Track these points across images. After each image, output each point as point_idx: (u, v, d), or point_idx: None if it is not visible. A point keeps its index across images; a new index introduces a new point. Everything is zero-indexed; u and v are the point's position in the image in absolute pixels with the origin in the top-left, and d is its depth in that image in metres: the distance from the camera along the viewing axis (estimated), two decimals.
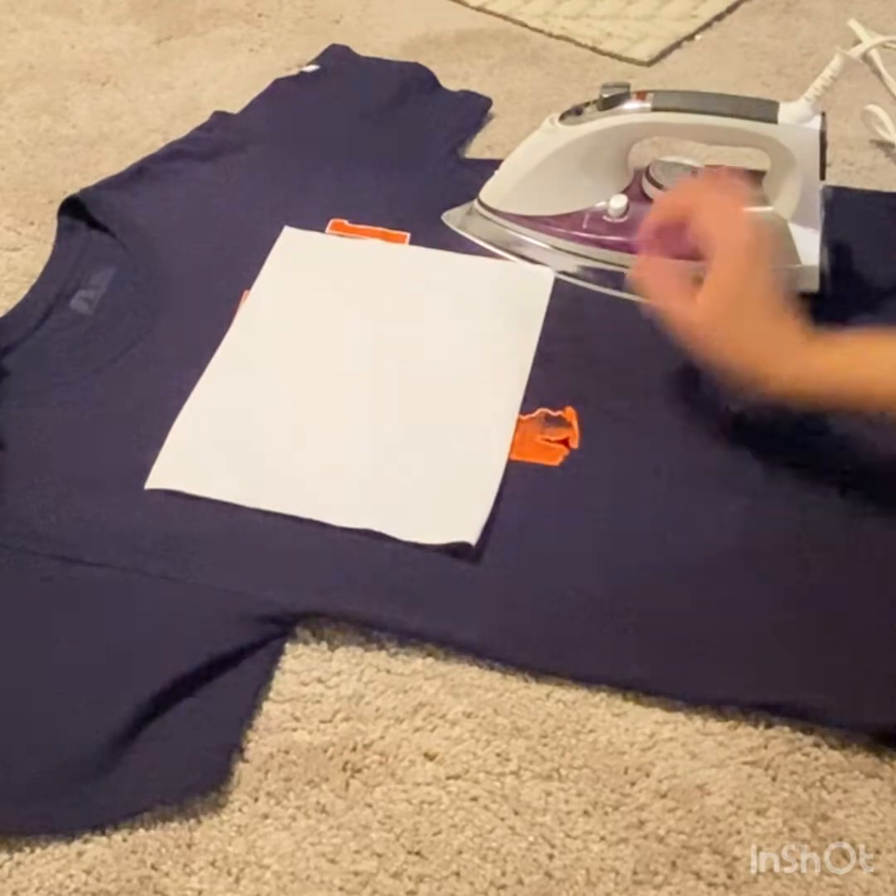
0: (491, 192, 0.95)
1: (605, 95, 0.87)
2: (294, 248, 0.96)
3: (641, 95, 0.87)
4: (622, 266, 0.90)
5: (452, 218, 0.97)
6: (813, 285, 0.87)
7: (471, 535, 0.74)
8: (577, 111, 0.89)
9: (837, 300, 0.87)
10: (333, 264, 0.95)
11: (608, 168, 0.91)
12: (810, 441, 0.80)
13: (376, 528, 0.75)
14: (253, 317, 0.90)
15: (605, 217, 0.91)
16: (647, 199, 0.90)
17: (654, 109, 0.86)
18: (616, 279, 0.90)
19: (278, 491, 0.78)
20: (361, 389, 0.85)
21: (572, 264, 0.92)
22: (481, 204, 0.95)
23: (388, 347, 0.88)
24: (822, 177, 0.86)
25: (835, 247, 0.90)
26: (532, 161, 0.91)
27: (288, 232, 0.97)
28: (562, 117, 0.89)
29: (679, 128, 0.88)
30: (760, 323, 0.74)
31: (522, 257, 0.94)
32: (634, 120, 0.87)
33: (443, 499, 0.78)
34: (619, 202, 0.90)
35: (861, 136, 1.09)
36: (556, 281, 0.92)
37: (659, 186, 0.90)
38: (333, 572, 0.74)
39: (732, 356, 0.75)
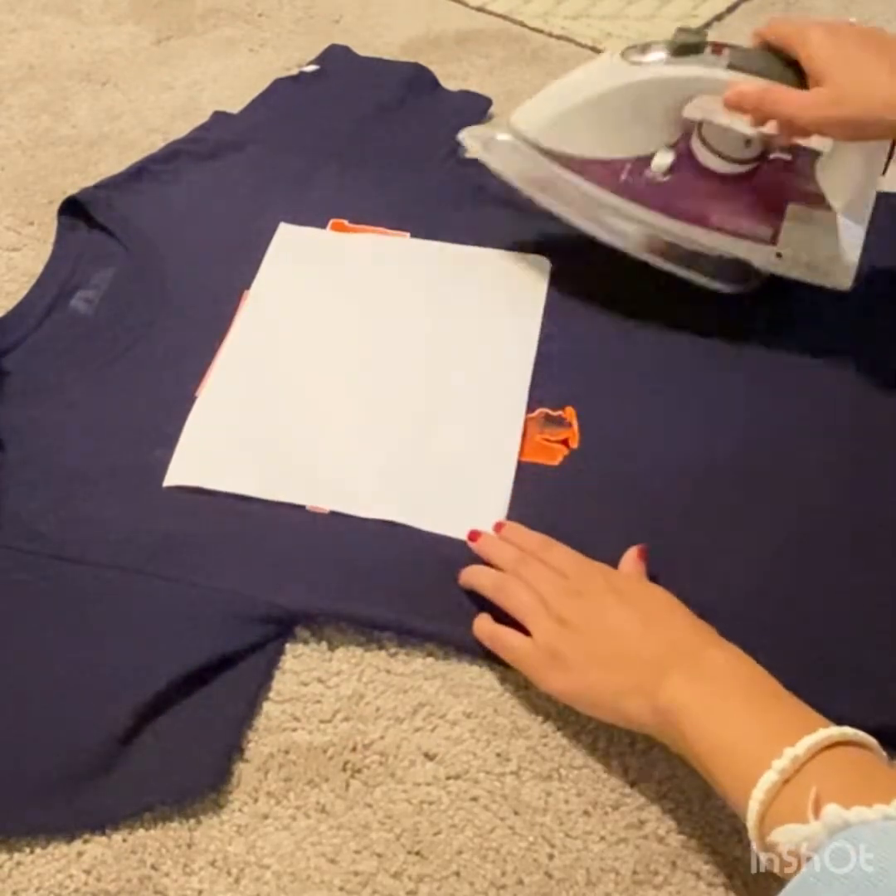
0: (525, 117, 0.85)
1: (679, 41, 0.78)
2: (292, 243, 0.96)
3: (718, 48, 0.77)
4: (657, 229, 0.84)
5: (474, 137, 0.88)
6: (846, 283, 0.82)
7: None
8: (643, 49, 0.79)
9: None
10: (333, 258, 0.95)
11: (661, 118, 0.83)
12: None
13: (397, 518, 0.76)
14: (258, 311, 0.90)
15: (647, 172, 0.83)
16: (694, 161, 0.83)
17: (730, 66, 0.77)
18: (645, 243, 0.85)
19: (297, 483, 0.78)
20: (370, 381, 0.86)
21: (597, 216, 0.85)
22: (512, 129, 0.85)
23: (392, 339, 0.88)
24: (884, 172, 0.80)
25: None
26: (581, 94, 0.82)
27: (284, 228, 0.97)
28: (623, 53, 0.80)
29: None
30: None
31: (544, 199, 0.86)
32: (705, 74, 0.77)
33: (461, 489, 0.78)
34: (664, 159, 0.82)
35: None
36: (555, 272, 0.92)
37: (712, 151, 0.82)
38: (333, 572, 0.74)
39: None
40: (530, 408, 0.83)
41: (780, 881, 0.52)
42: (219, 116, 1.10)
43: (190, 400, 0.83)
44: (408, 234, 0.97)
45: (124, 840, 0.63)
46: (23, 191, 1.04)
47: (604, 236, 0.85)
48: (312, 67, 1.16)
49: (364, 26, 1.25)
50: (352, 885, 0.62)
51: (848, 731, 0.54)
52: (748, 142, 0.82)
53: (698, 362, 0.86)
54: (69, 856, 0.63)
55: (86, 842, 0.63)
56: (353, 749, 0.67)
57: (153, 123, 1.11)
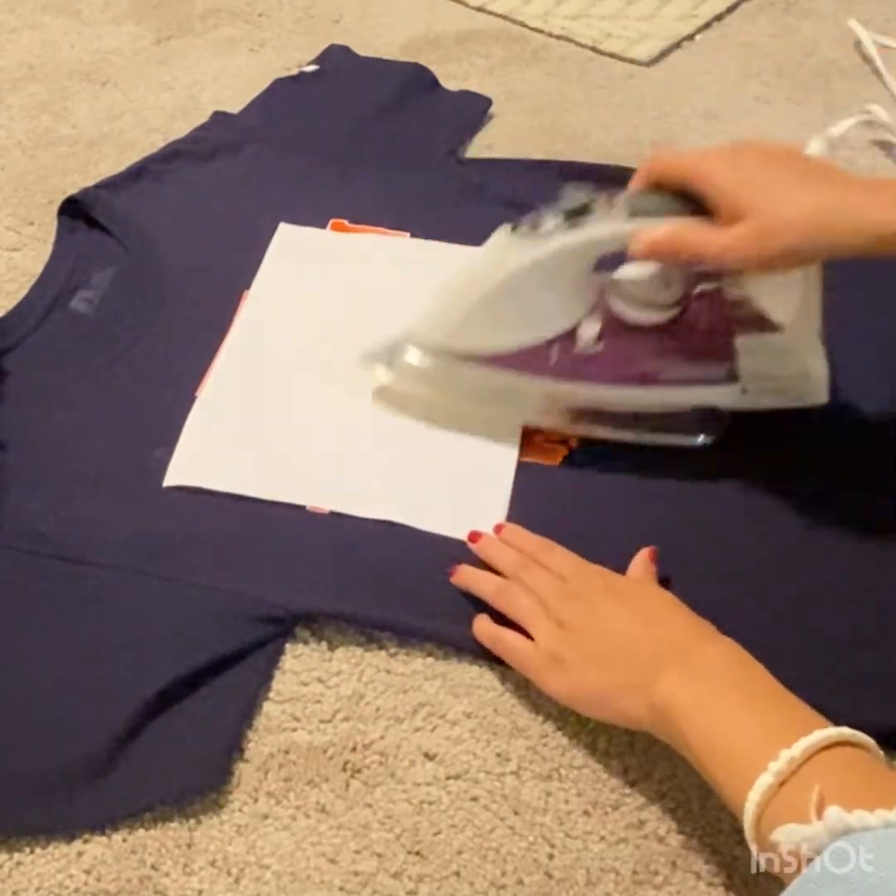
0: (432, 327, 0.77)
1: (568, 206, 0.71)
2: (292, 243, 0.96)
3: (610, 200, 0.70)
4: (608, 403, 0.77)
5: (374, 358, 0.80)
6: (822, 397, 0.76)
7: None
8: (534, 223, 0.72)
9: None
10: (333, 258, 0.95)
11: (573, 288, 0.75)
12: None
13: (397, 519, 0.76)
14: (258, 312, 0.90)
15: (576, 348, 0.75)
16: (620, 320, 0.76)
17: (632, 216, 0.70)
18: (597, 418, 0.78)
19: (296, 483, 0.78)
20: (370, 381, 0.85)
21: (543, 409, 0.78)
22: (418, 343, 0.78)
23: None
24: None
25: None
26: (482, 288, 0.74)
27: (284, 228, 0.97)
28: (514, 230, 0.72)
29: None
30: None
31: (471, 408, 0.79)
32: (607, 232, 0.70)
33: (461, 490, 0.79)
34: (590, 328, 0.75)
35: (861, 136, 1.09)
36: None
37: (635, 305, 0.75)
38: (333, 572, 0.74)
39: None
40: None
41: (780, 881, 0.52)
42: (219, 116, 1.10)
43: (190, 400, 0.83)
44: (408, 234, 0.97)
45: (124, 840, 0.63)
46: (23, 191, 1.04)
47: (571, 429, 0.79)
48: (312, 67, 1.16)
49: (364, 26, 1.25)
50: (352, 885, 0.62)
51: (845, 732, 0.54)
52: (667, 284, 0.74)
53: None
54: (69, 856, 0.63)
55: (86, 842, 0.63)
56: (353, 749, 0.67)
57: (153, 123, 1.11)
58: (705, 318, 0.76)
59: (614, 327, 0.76)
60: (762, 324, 0.73)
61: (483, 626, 0.70)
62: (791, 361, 0.75)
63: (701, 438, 0.79)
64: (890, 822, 0.48)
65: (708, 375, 0.76)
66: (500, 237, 0.73)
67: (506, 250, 0.73)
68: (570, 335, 0.75)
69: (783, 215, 0.64)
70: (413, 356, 0.79)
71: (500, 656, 0.69)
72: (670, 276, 0.74)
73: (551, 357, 0.76)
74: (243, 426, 0.83)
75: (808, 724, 0.55)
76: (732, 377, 0.76)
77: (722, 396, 0.77)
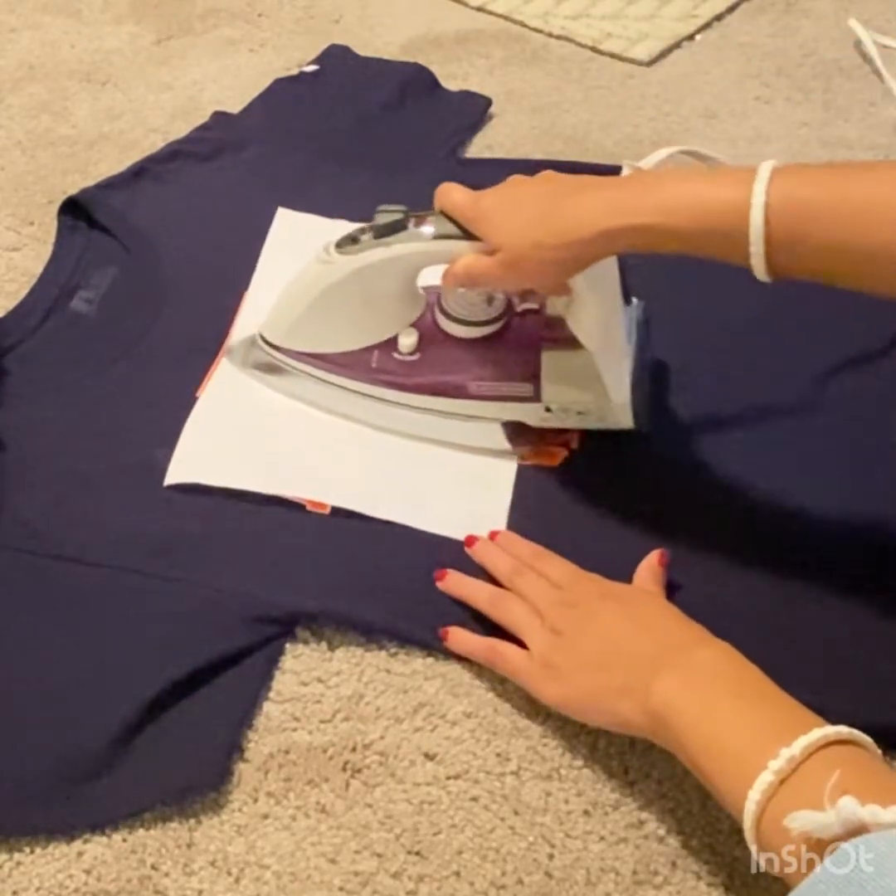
0: (270, 326, 0.84)
1: (381, 222, 0.76)
2: (291, 231, 0.96)
3: (420, 220, 0.75)
4: (418, 407, 0.80)
5: (235, 354, 0.86)
6: (627, 423, 0.78)
7: (499, 526, 0.76)
8: (353, 239, 0.77)
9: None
10: None
11: (393, 300, 0.80)
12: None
13: (397, 519, 0.76)
14: (258, 309, 0.90)
15: (395, 354, 0.80)
16: (441, 332, 0.80)
17: (435, 237, 0.75)
18: (412, 423, 0.81)
19: (298, 479, 0.78)
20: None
21: (363, 407, 0.82)
22: (263, 339, 0.84)
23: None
24: (627, 302, 0.76)
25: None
26: (309, 294, 0.80)
27: (283, 213, 0.97)
28: (338, 245, 0.78)
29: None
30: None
31: (307, 401, 0.83)
32: (412, 249, 0.76)
33: (462, 490, 0.79)
34: (409, 338, 0.79)
35: (861, 136, 1.09)
36: None
37: (453, 319, 0.79)
38: (333, 573, 0.74)
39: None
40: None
41: (780, 881, 0.52)
42: (219, 116, 1.10)
43: (190, 400, 0.83)
44: None
45: (124, 840, 0.63)
46: (23, 191, 1.04)
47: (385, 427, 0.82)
48: (312, 67, 1.16)
49: (364, 26, 1.25)
50: (352, 885, 0.62)
51: (843, 731, 0.54)
52: (490, 301, 0.79)
53: (700, 361, 0.86)
54: (69, 856, 0.63)
55: (86, 842, 0.63)
56: (353, 749, 0.67)
57: (153, 123, 1.11)
58: (519, 337, 0.79)
59: (433, 338, 0.80)
60: (572, 345, 0.76)
61: (478, 640, 0.70)
62: (592, 384, 0.76)
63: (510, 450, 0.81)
64: None
65: (515, 392, 0.78)
66: (327, 251, 0.78)
67: (326, 263, 0.78)
68: (393, 343, 0.80)
69: (517, 242, 0.70)
70: (260, 353, 0.85)
71: (492, 667, 0.69)
72: (493, 294, 0.79)
73: (372, 362, 0.81)
74: (244, 425, 0.83)
75: (806, 724, 0.55)
76: (537, 396, 0.78)
77: (526, 414, 0.79)
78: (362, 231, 0.77)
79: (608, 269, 0.72)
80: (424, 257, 0.76)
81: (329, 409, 0.83)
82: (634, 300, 0.79)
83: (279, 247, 0.95)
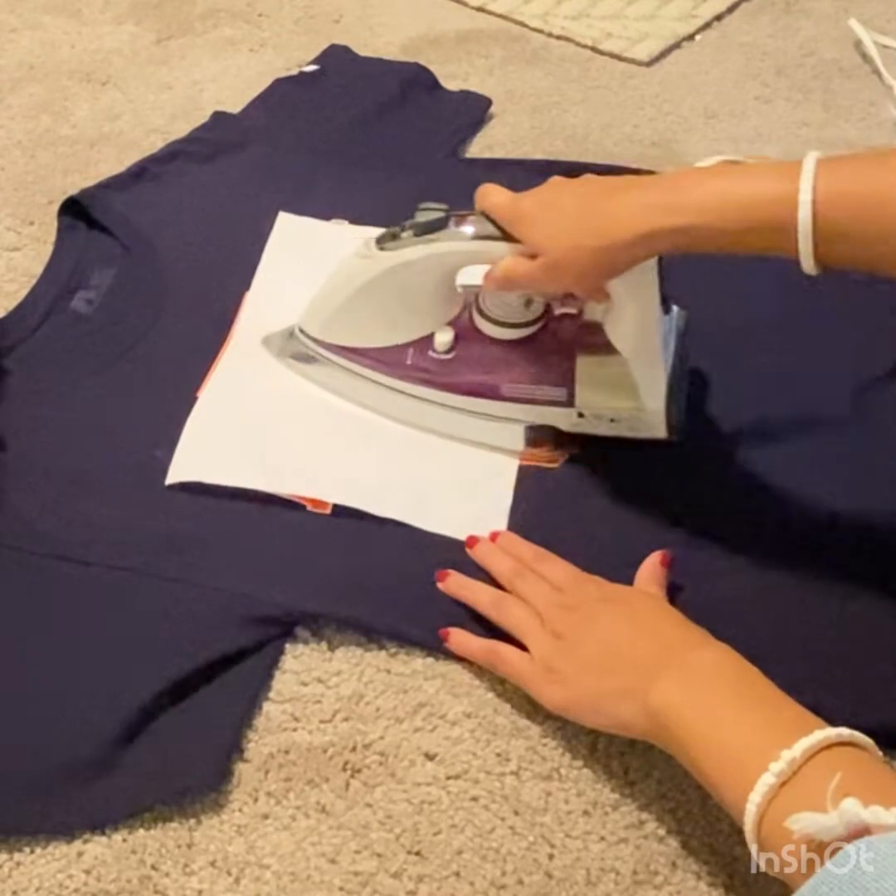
0: (310, 317, 0.84)
1: (421, 220, 0.76)
2: (292, 235, 0.96)
3: (461, 219, 0.75)
4: (450, 406, 0.80)
5: (271, 343, 0.87)
6: (660, 432, 0.78)
7: (500, 527, 0.76)
8: (394, 235, 0.77)
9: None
10: (333, 252, 0.95)
11: (430, 297, 0.80)
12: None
13: (398, 517, 0.76)
14: (259, 309, 0.90)
15: (430, 352, 0.80)
16: (478, 332, 0.80)
17: (476, 237, 0.74)
18: (439, 419, 0.81)
19: (299, 477, 0.78)
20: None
21: (395, 404, 0.82)
22: (301, 331, 0.85)
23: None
24: (666, 311, 0.76)
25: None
26: (348, 289, 0.80)
27: (284, 217, 0.97)
28: (379, 241, 0.78)
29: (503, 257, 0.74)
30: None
31: (341, 394, 0.84)
32: (451, 248, 0.76)
33: (463, 490, 0.79)
34: (444, 336, 0.79)
35: (861, 136, 1.09)
36: None
37: (491, 320, 0.79)
38: (333, 573, 0.74)
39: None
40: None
41: (780, 882, 0.52)
42: (219, 116, 1.10)
43: (190, 400, 0.83)
44: None
45: (124, 840, 0.63)
46: (23, 191, 1.04)
47: (418, 427, 0.82)
48: (312, 67, 1.16)
49: (364, 26, 1.25)
50: (352, 885, 0.62)
51: (844, 732, 0.54)
52: (529, 303, 0.79)
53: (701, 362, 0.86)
54: (69, 856, 0.63)
55: (86, 842, 0.63)
56: (353, 749, 0.67)
57: (153, 123, 1.11)
58: (556, 341, 0.79)
59: (469, 338, 0.80)
60: (608, 351, 0.76)
61: (479, 643, 0.70)
62: (627, 392, 0.76)
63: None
64: None
65: (548, 396, 0.78)
66: (367, 246, 0.79)
67: (366, 258, 0.78)
68: (429, 341, 0.80)
69: (558, 249, 0.69)
70: (297, 344, 0.85)
71: (492, 669, 0.69)
72: (531, 297, 0.79)
73: (407, 359, 0.81)
74: (245, 423, 0.83)
75: (807, 726, 0.55)
76: (570, 402, 0.78)
77: (558, 418, 0.79)
78: (403, 228, 0.77)
79: (647, 275, 0.71)
80: (464, 257, 0.76)
81: (362, 404, 0.83)
82: (675, 308, 0.79)
83: (280, 250, 0.95)
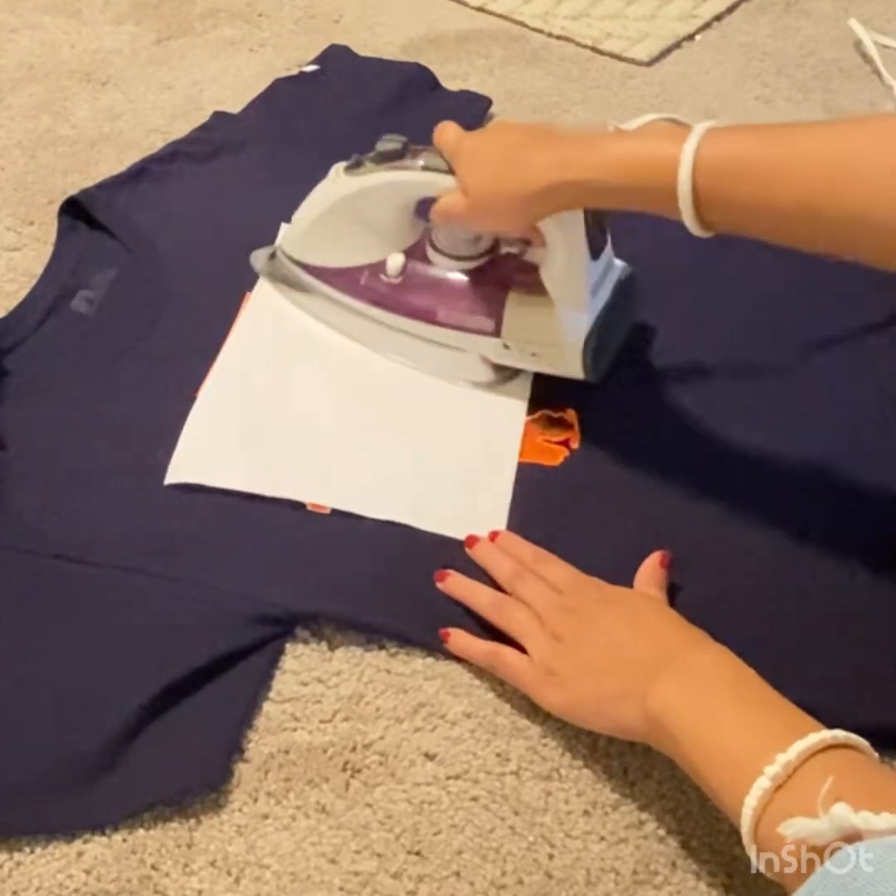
0: (286, 237, 0.91)
1: (380, 149, 0.82)
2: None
3: (416, 152, 0.80)
4: (394, 328, 0.86)
5: (258, 258, 0.94)
6: (577, 372, 0.81)
7: (499, 526, 0.76)
8: (358, 163, 0.83)
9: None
10: None
11: (389, 224, 0.86)
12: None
13: (398, 518, 0.76)
14: (259, 311, 0.90)
15: (382, 275, 0.85)
16: (427, 261, 0.85)
17: (425, 168, 0.79)
18: (391, 342, 0.87)
19: (298, 480, 0.78)
20: (371, 380, 0.86)
21: (350, 322, 0.88)
22: (281, 249, 0.91)
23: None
24: (595, 256, 0.78)
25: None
26: (316, 210, 0.87)
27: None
28: (347, 168, 0.84)
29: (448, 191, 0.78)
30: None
31: (308, 311, 0.90)
32: (402, 177, 0.81)
33: (462, 490, 0.79)
34: (395, 261, 0.85)
35: None
36: None
37: (439, 251, 0.84)
38: (333, 573, 0.74)
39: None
40: (532, 409, 0.83)
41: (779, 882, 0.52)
42: (219, 116, 1.10)
43: (190, 401, 0.83)
44: None
45: (124, 840, 0.63)
46: (23, 191, 1.04)
47: (367, 344, 0.88)
48: (312, 67, 1.16)
49: (364, 26, 1.25)
50: (352, 885, 0.62)
51: (840, 734, 0.54)
52: (478, 240, 0.83)
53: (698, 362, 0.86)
54: (69, 856, 0.63)
55: (86, 842, 0.63)
56: (353, 749, 0.67)
57: (153, 123, 1.11)
58: (494, 276, 0.83)
59: (418, 266, 0.85)
60: (539, 290, 0.80)
61: (464, 641, 0.70)
62: (550, 330, 0.80)
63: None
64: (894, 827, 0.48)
65: (478, 326, 0.83)
66: (336, 171, 0.85)
67: (333, 183, 0.85)
68: (383, 265, 0.86)
69: (481, 193, 0.74)
70: (277, 263, 0.92)
71: (492, 671, 0.69)
72: (479, 233, 0.83)
73: (361, 279, 0.87)
74: (244, 425, 0.83)
75: (803, 728, 0.55)
76: (497, 332, 0.82)
77: (486, 348, 0.83)
78: (367, 157, 0.83)
79: (575, 222, 0.75)
80: (415, 187, 0.82)
81: (327, 322, 0.89)
82: (618, 262, 0.82)
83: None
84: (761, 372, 0.86)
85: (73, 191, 0.99)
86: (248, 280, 0.93)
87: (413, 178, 0.80)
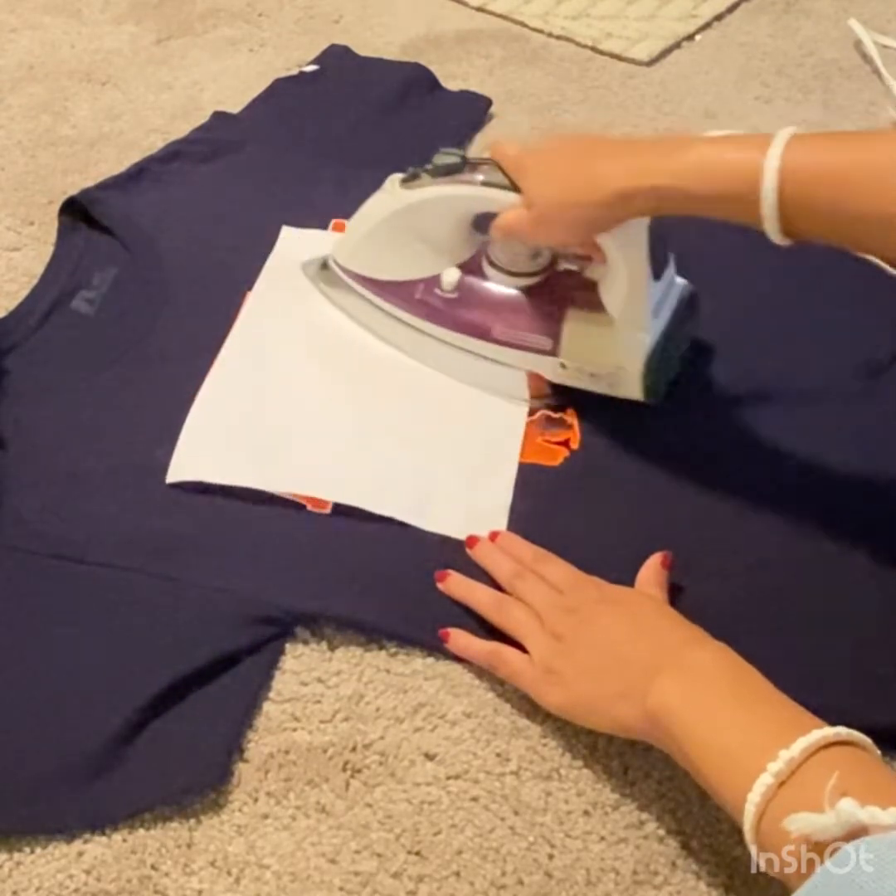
0: (339, 247, 0.90)
1: (438, 163, 0.80)
2: (295, 246, 0.96)
3: (474, 166, 0.79)
4: (447, 343, 0.85)
5: (308, 268, 0.93)
6: (636, 394, 0.80)
7: (499, 526, 0.76)
8: (415, 175, 0.82)
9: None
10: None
11: (445, 238, 0.84)
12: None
13: (398, 516, 0.76)
14: (259, 310, 0.90)
15: (437, 289, 0.84)
16: (483, 277, 0.84)
17: (484, 184, 0.78)
18: (443, 357, 0.86)
19: (299, 475, 0.78)
20: (371, 381, 0.86)
21: (403, 335, 0.87)
22: (332, 259, 0.90)
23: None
24: (657, 276, 0.77)
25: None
26: (370, 222, 0.86)
27: (287, 231, 0.97)
28: (403, 180, 0.83)
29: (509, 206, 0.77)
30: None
31: (359, 322, 0.89)
32: (461, 192, 0.80)
33: (462, 490, 0.79)
34: (451, 275, 0.83)
35: None
36: None
37: (496, 267, 0.83)
38: (334, 573, 0.74)
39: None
40: (531, 410, 0.83)
41: (780, 881, 0.52)
42: (219, 116, 1.10)
43: (190, 400, 0.83)
44: None
45: (124, 840, 0.63)
46: (23, 191, 1.04)
47: (419, 359, 0.87)
48: (312, 67, 1.16)
49: (364, 26, 1.25)
50: (352, 885, 0.62)
51: (842, 731, 0.54)
52: (536, 256, 0.82)
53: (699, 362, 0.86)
54: (69, 856, 0.63)
55: (86, 842, 0.63)
56: (353, 749, 0.67)
57: (153, 123, 1.11)
58: (553, 293, 0.82)
59: (474, 282, 0.84)
60: (599, 308, 0.79)
61: (465, 641, 0.70)
62: (609, 350, 0.79)
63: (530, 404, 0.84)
64: None
65: (535, 344, 0.82)
66: (392, 183, 0.84)
67: (389, 196, 0.84)
68: (438, 279, 0.84)
69: (547, 205, 0.73)
70: (328, 272, 0.91)
71: (493, 671, 0.69)
72: (539, 249, 0.82)
73: (417, 293, 0.85)
74: (244, 423, 0.83)
75: (805, 725, 0.55)
76: (555, 351, 0.81)
77: (543, 366, 0.82)
78: (424, 170, 0.81)
79: (638, 238, 0.74)
80: (473, 202, 0.80)
81: (375, 333, 0.88)
82: (678, 280, 0.81)
83: (282, 261, 0.95)
84: (760, 372, 0.86)
85: (73, 191, 0.99)
86: (248, 280, 0.93)
87: (472, 193, 0.79)
